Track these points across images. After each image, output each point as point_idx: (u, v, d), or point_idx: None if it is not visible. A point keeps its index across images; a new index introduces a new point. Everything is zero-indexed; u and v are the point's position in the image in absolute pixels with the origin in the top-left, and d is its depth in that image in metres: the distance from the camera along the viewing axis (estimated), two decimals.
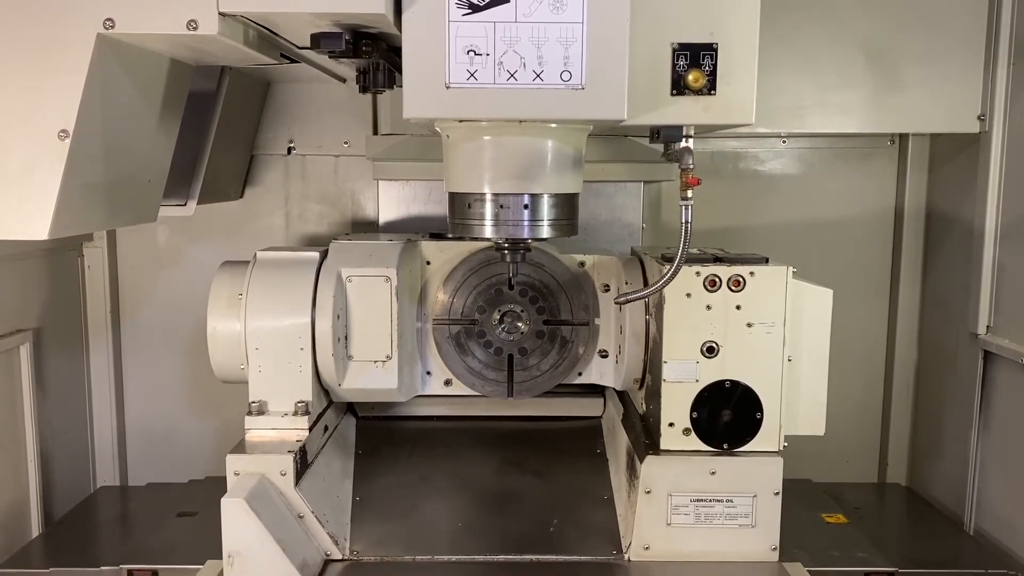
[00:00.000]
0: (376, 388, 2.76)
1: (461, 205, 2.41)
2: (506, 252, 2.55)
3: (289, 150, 3.65)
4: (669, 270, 2.32)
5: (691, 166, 2.25)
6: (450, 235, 2.95)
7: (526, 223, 2.35)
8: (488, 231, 2.38)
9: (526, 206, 2.34)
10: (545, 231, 2.38)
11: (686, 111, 2.20)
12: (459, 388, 2.92)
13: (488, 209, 2.36)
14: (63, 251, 3.50)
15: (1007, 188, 3.02)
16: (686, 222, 2.27)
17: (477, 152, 2.29)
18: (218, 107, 3.05)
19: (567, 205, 2.42)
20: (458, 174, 2.37)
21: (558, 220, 2.40)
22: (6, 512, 3.07)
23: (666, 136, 2.30)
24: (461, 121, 2.23)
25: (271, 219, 3.71)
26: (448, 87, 2.05)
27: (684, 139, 2.28)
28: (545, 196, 2.35)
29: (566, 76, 2.06)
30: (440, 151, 2.41)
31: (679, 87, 2.18)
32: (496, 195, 2.34)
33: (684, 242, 2.28)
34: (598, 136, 2.91)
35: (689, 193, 2.27)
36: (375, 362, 2.74)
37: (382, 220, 3.42)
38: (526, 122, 2.19)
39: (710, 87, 2.17)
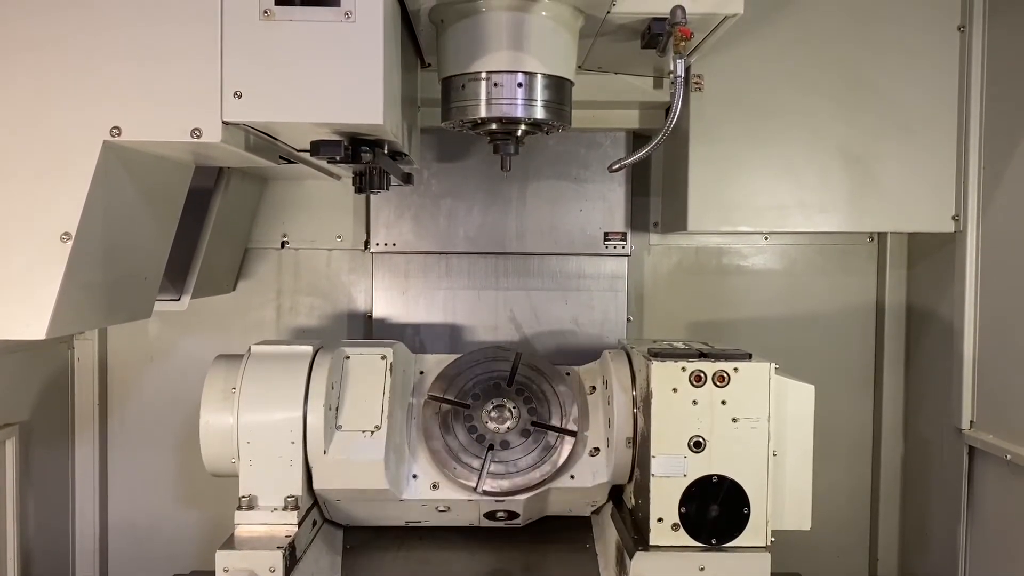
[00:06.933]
0: (366, 488, 2.76)
1: (455, 89, 2.41)
2: (499, 143, 2.53)
3: (283, 244, 3.71)
4: (665, 127, 2.34)
5: (684, 20, 2.25)
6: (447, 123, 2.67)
7: (520, 102, 2.35)
8: (482, 110, 2.37)
9: (520, 84, 2.34)
10: (539, 112, 2.38)
11: None
12: (446, 491, 2.84)
13: (482, 88, 2.36)
14: (54, 344, 3.50)
15: (983, 285, 3.09)
16: (678, 75, 2.29)
17: (470, 31, 2.32)
18: (215, 204, 3.11)
19: (560, 89, 2.42)
20: (451, 57, 2.38)
21: (551, 103, 2.39)
22: None
23: (657, 30, 2.34)
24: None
25: (262, 312, 3.73)
26: None
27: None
28: (539, 76, 2.36)
29: None
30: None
31: None
32: (490, 73, 2.34)
33: (678, 97, 2.29)
34: (588, 73, 2.96)
35: (683, 45, 2.28)
36: (363, 432, 2.75)
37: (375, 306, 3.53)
38: None
39: None
